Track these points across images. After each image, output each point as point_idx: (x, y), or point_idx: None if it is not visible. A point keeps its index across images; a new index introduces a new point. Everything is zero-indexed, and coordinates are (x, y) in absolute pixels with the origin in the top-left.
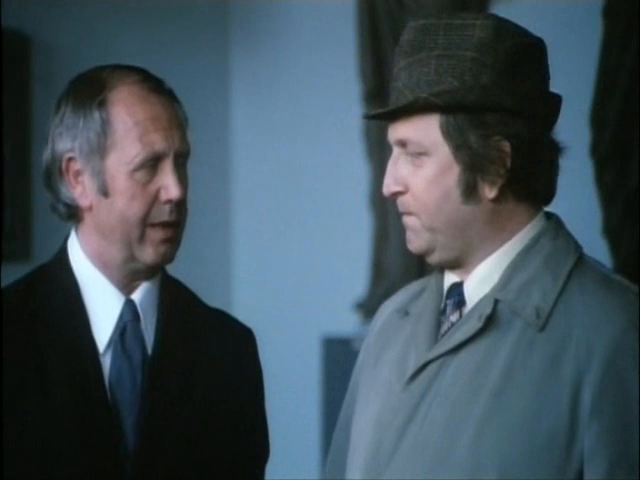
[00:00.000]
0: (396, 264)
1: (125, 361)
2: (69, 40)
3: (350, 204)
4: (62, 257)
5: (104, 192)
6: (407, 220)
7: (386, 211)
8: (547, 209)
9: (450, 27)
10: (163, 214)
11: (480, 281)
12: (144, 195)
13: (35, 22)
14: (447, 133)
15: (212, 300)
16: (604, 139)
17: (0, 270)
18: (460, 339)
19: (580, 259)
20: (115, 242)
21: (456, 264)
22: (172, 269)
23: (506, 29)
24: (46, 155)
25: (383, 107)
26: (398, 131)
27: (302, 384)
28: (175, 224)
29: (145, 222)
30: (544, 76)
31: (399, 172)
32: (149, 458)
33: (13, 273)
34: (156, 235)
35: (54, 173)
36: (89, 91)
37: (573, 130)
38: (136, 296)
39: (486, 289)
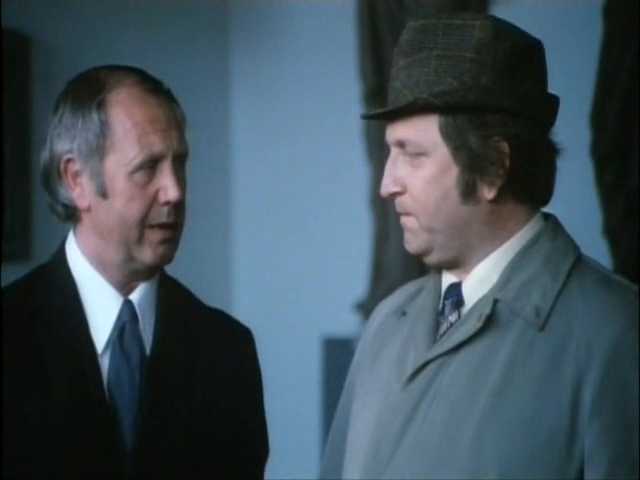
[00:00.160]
0: (396, 264)
1: (123, 361)
2: (69, 40)
3: (350, 204)
4: (60, 258)
5: (103, 193)
6: (405, 221)
7: (386, 211)
8: (547, 209)
9: (449, 27)
10: (162, 215)
11: (479, 281)
12: (143, 196)
13: (35, 22)
14: (446, 134)
15: (212, 300)
16: (604, 139)
17: (0, 270)
18: (459, 339)
19: (579, 259)
20: (113, 243)
21: (454, 264)
22: (172, 269)
23: (505, 30)
24: (44, 156)
25: (383, 107)
26: (397, 131)
27: (302, 384)
28: (174, 225)
29: (144, 223)
30: (542, 77)
31: (397, 172)
32: (148, 458)
33: (13, 273)
34: (155, 236)
35: (52, 174)
36: (88, 92)
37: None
38: (134, 296)
39: (485, 289)
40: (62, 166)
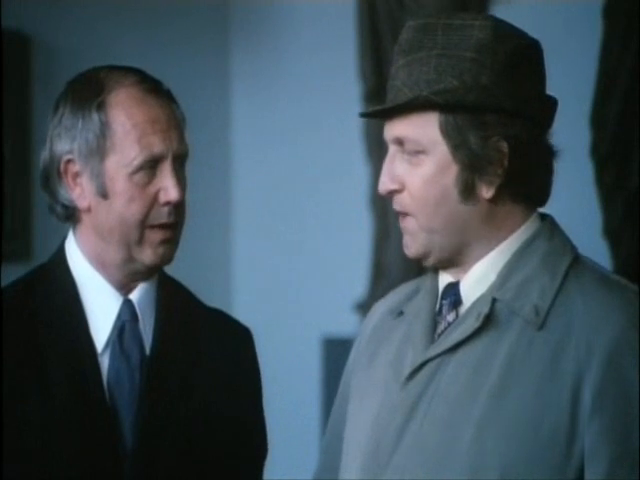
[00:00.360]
0: (396, 264)
1: (123, 361)
2: (69, 40)
3: (350, 204)
4: (60, 257)
5: (103, 194)
6: (404, 223)
7: (386, 211)
8: (547, 209)
9: (449, 27)
10: (162, 216)
11: (476, 281)
12: (143, 197)
13: (35, 22)
14: (446, 132)
15: (212, 300)
16: (604, 139)
17: (0, 270)
18: (458, 338)
19: (576, 259)
20: (113, 243)
21: (452, 264)
22: (172, 269)
23: (505, 30)
24: (44, 156)
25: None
26: (395, 129)
27: (302, 384)
28: (174, 225)
29: (144, 224)
30: (541, 78)
31: (396, 170)
32: (147, 458)
33: (13, 273)
34: (155, 236)
35: (52, 174)
36: (87, 93)
37: (573, 130)
38: (134, 296)
39: (482, 289)
40: (62, 166)
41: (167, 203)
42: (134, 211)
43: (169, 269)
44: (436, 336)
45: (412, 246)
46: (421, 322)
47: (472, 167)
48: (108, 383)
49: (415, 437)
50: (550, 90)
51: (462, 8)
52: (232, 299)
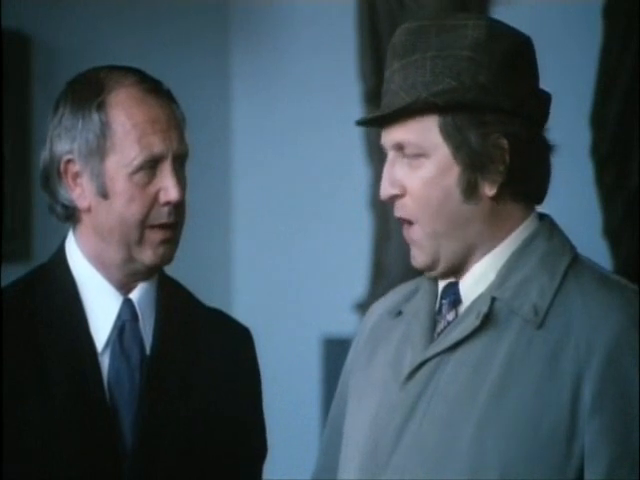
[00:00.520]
0: (396, 264)
1: (123, 361)
2: (69, 40)
3: (350, 204)
4: (60, 257)
5: (103, 194)
6: (408, 233)
7: (386, 212)
8: (548, 209)
9: (442, 29)
10: (162, 216)
11: (476, 280)
12: (143, 197)
13: (35, 22)
14: (446, 133)
15: (212, 300)
16: (604, 139)
17: (0, 270)
18: (457, 337)
19: (575, 259)
20: (113, 243)
21: (456, 271)
22: (172, 270)
23: (499, 29)
24: (44, 156)
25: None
26: (395, 134)
27: (302, 384)
28: (174, 225)
29: (144, 224)
30: (535, 74)
31: (396, 175)
32: (147, 457)
33: (13, 273)
34: (155, 236)
35: (52, 174)
36: (87, 93)
37: (573, 130)
38: (134, 295)
39: (482, 288)
40: (62, 167)
41: (167, 203)
42: (134, 211)
43: (169, 269)
44: (435, 335)
45: (419, 256)
46: (420, 322)
47: (474, 166)
48: (108, 383)
49: (414, 437)
50: (550, 90)
51: (462, 8)
52: (232, 299)
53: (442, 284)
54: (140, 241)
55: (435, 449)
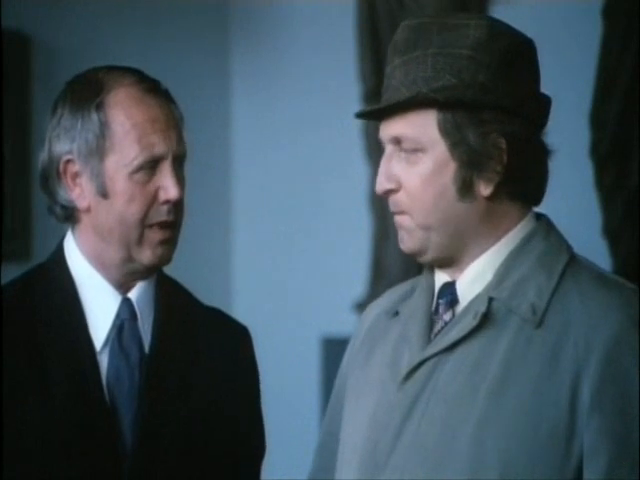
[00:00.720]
0: (396, 264)
1: (122, 359)
2: (69, 40)
3: (350, 204)
4: (59, 256)
5: (103, 193)
6: (400, 219)
7: (386, 211)
8: (547, 209)
9: (444, 27)
10: (161, 214)
11: (473, 280)
12: (143, 196)
13: (35, 22)
14: (444, 130)
15: (212, 300)
16: (604, 139)
17: (0, 270)
18: (455, 337)
19: (572, 259)
20: (113, 243)
21: (448, 263)
22: (172, 269)
23: (500, 29)
24: (43, 157)
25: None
26: (393, 128)
27: (302, 384)
28: (173, 224)
29: (144, 223)
30: (536, 76)
31: (392, 169)
32: (146, 456)
33: (13, 273)
34: (154, 236)
35: (52, 175)
36: (86, 93)
37: (573, 130)
38: (133, 295)
39: (479, 288)
40: (61, 167)
41: (167, 202)
42: (134, 210)
43: (168, 269)
44: (432, 336)
45: (408, 241)
46: (417, 322)
47: (471, 164)
48: (107, 382)
49: (413, 437)
50: (550, 90)
51: (462, 8)
52: (232, 299)
53: (439, 284)
54: (139, 241)
55: (434, 449)
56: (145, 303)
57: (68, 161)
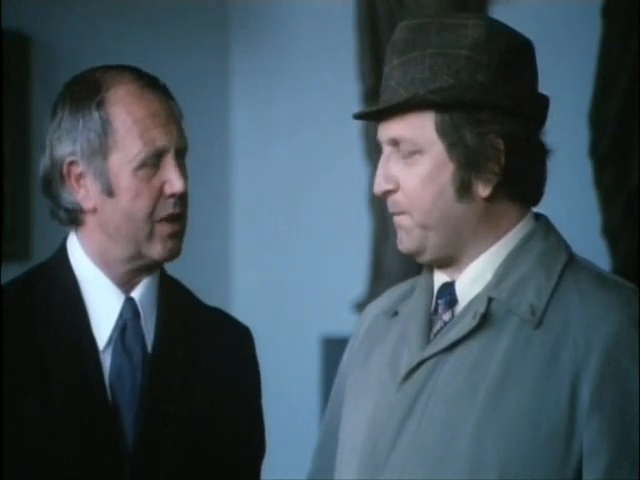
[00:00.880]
0: (396, 264)
1: (125, 359)
2: (69, 40)
3: (350, 204)
4: (62, 256)
5: (108, 192)
6: (399, 220)
7: (386, 211)
8: (546, 209)
9: (442, 27)
10: (168, 207)
11: (472, 280)
12: (148, 191)
13: (35, 22)
14: (442, 131)
15: (211, 300)
16: (604, 139)
17: (0, 270)
18: (455, 337)
19: (571, 259)
20: (121, 241)
21: (447, 263)
22: (172, 269)
23: (498, 29)
24: (44, 162)
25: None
26: (391, 129)
27: (302, 384)
28: (180, 217)
29: (152, 218)
30: (534, 76)
31: (391, 170)
32: (148, 456)
33: (13, 273)
34: (163, 230)
35: (55, 179)
36: (86, 93)
37: (573, 130)
38: (136, 294)
39: (478, 288)
40: (65, 169)
41: (172, 195)
42: (141, 206)
43: (168, 268)
44: (432, 336)
45: (406, 241)
46: (417, 322)
47: (468, 164)
48: (110, 381)
49: (413, 436)
50: (550, 90)
51: (462, 8)
52: (231, 299)
53: (438, 284)
54: (150, 236)
55: (434, 449)
56: (148, 303)
57: (71, 163)
